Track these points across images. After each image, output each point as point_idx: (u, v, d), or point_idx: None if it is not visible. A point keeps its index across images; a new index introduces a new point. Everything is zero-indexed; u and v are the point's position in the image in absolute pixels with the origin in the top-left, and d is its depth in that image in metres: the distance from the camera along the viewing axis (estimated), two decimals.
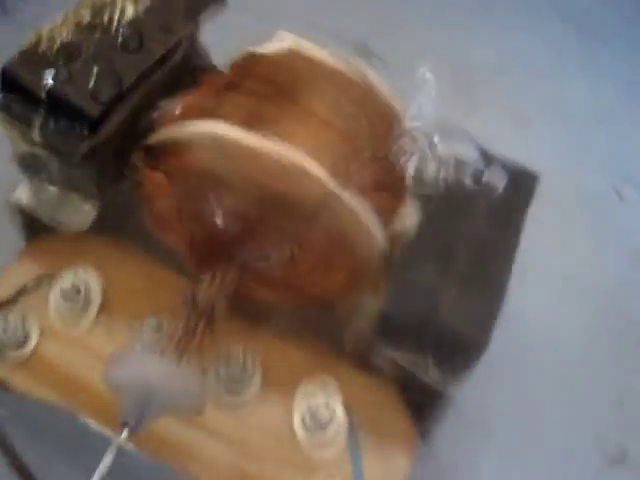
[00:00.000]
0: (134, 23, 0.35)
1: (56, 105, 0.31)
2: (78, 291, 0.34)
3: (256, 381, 0.33)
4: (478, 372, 0.30)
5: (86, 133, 0.31)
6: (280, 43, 0.35)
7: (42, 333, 0.34)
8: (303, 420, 0.32)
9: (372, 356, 0.33)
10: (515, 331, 0.37)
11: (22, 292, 0.35)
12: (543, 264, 0.42)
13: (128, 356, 0.27)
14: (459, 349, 0.28)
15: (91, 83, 0.31)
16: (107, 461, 0.25)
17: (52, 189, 0.36)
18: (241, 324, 0.34)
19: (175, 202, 0.32)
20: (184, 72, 0.36)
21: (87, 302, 0.34)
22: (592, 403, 0.41)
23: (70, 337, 0.34)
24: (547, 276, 0.42)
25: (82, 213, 0.36)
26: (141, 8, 0.35)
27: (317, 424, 0.32)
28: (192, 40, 0.37)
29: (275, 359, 0.34)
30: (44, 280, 0.35)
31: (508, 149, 0.33)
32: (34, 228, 0.36)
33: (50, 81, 0.31)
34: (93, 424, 0.27)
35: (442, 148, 0.32)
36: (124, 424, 0.26)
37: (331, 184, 0.28)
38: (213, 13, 0.38)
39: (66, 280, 0.34)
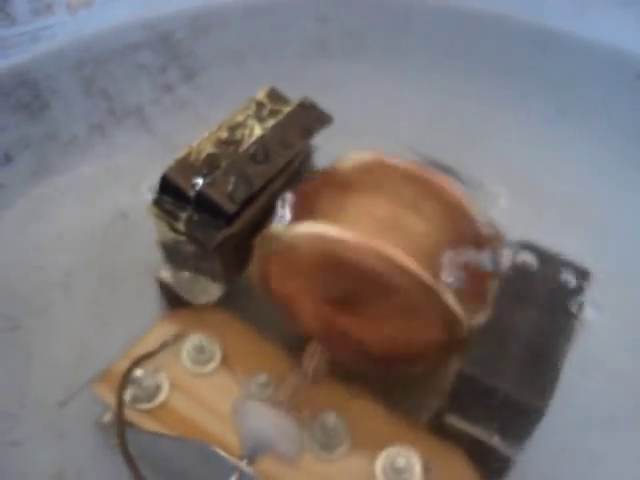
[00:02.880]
0: (261, 140, 0.43)
1: (201, 203, 0.40)
2: (202, 351, 0.42)
3: (345, 442, 0.39)
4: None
5: (223, 226, 0.40)
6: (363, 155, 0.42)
7: (172, 386, 0.41)
8: (384, 473, 0.37)
9: (446, 426, 0.38)
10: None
11: (158, 350, 0.43)
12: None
13: (250, 405, 0.34)
14: (520, 416, 0.34)
15: (229, 187, 0.40)
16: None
17: (186, 273, 0.45)
18: (336, 390, 0.40)
19: (289, 287, 0.40)
20: (300, 176, 0.45)
21: (209, 360, 0.42)
22: None
23: (194, 389, 0.41)
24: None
25: (209, 293, 0.44)
26: (266, 128, 0.45)
27: (396, 473, 0.37)
28: (306, 152, 0.46)
29: (362, 424, 0.40)
30: (176, 340, 0.43)
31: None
32: (173, 300, 0.45)
33: (199, 184, 0.40)
34: (221, 452, 0.34)
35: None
36: (242, 457, 0.33)
37: (428, 278, 0.35)
38: (322, 129, 0.47)
39: (194, 341, 0.42)
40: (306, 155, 0.47)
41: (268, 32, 0.72)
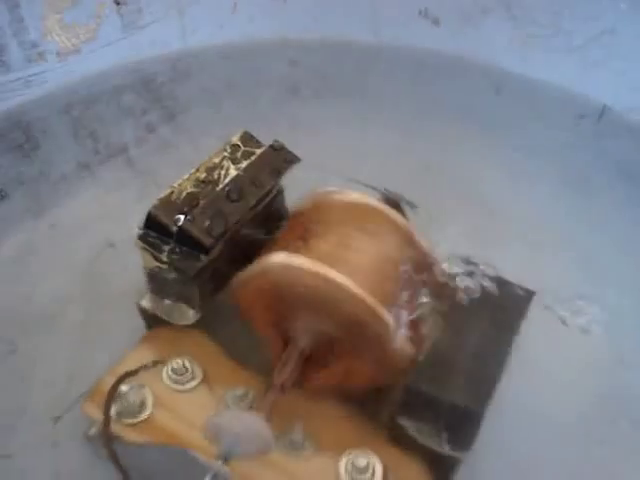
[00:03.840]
0: (235, 180, 0.49)
1: (183, 237, 0.45)
2: (183, 371, 0.46)
3: (311, 445, 0.44)
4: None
5: (202, 257, 0.45)
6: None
7: (155, 402, 0.46)
8: (347, 472, 0.42)
9: (399, 433, 0.43)
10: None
11: (140, 368, 0.47)
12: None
13: (227, 411, 0.39)
14: (462, 420, 0.39)
15: (207, 223, 0.45)
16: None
17: (165, 299, 0.50)
18: (302, 399, 0.45)
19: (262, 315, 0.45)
20: (270, 214, 0.50)
21: (190, 379, 0.46)
22: None
23: (176, 405, 0.46)
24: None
25: (187, 317, 0.49)
26: (240, 168, 0.50)
27: (358, 472, 0.42)
28: (275, 190, 0.52)
29: (325, 430, 0.44)
30: (158, 363, 0.47)
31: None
32: (154, 321, 0.49)
33: (180, 221, 0.45)
34: (200, 457, 0.38)
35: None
36: (219, 457, 0.37)
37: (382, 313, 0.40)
38: (290, 169, 0.52)
39: (176, 361, 0.47)
40: (277, 192, 0.52)
41: (244, 75, 0.78)
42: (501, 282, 0.46)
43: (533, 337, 0.44)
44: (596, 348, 0.54)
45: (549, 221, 0.62)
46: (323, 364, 0.43)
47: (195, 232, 0.45)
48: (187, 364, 0.47)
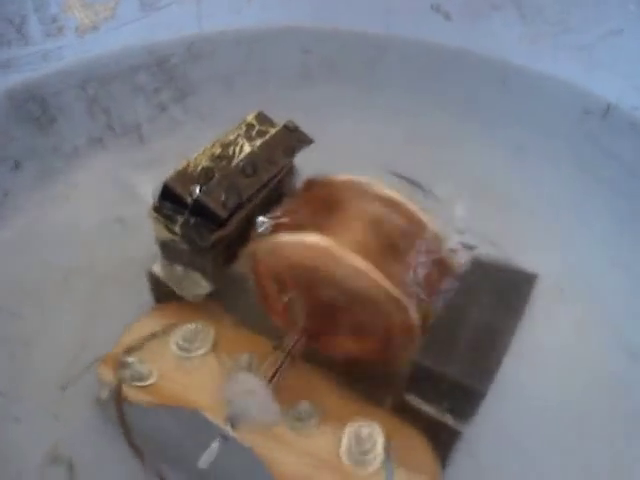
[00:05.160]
0: (250, 156, 0.50)
1: (198, 209, 0.46)
2: (194, 338, 0.47)
3: (315, 417, 0.45)
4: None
5: (215, 229, 0.46)
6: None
7: (160, 375, 0.46)
8: (349, 447, 0.43)
9: (405, 406, 0.44)
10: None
11: (147, 339, 0.48)
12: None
13: (239, 375, 0.40)
14: (465, 396, 0.40)
15: (222, 196, 0.46)
16: (215, 446, 0.37)
17: (179, 268, 0.50)
18: (308, 375, 0.46)
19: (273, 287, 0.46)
20: (282, 192, 0.51)
21: (200, 346, 0.47)
22: None
23: (184, 370, 0.46)
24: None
25: (200, 287, 0.50)
26: (254, 146, 0.51)
27: (360, 451, 0.43)
28: (289, 168, 0.53)
29: (331, 402, 0.45)
30: (167, 330, 0.48)
31: None
32: (163, 294, 0.50)
33: (196, 192, 0.46)
34: (211, 417, 0.39)
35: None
36: (228, 422, 0.38)
37: (389, 286, 0.41)
38: (303, 149, 0.53)
39: (185, 330, 0.48)
40: (289, 171, 0.53)
41: (256, 60, 0.78)
42: (505, 264, 0.47)
43: (534, 319, 0.45)
44: (597, 332, 0.55)
45: (555, 207, 0.63)
46: (332, 333, 0.44)
47: (211, 204, 0.46)
48: (197, 330, 0.48)
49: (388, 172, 0.52)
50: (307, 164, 0.53)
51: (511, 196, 0.65)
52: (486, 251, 0.47)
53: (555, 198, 0.65)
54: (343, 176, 0.48)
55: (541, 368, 0.52)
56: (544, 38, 0.75)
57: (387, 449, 0.42)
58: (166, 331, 0.48)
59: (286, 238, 0.44)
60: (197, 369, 0.46)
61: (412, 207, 0.47)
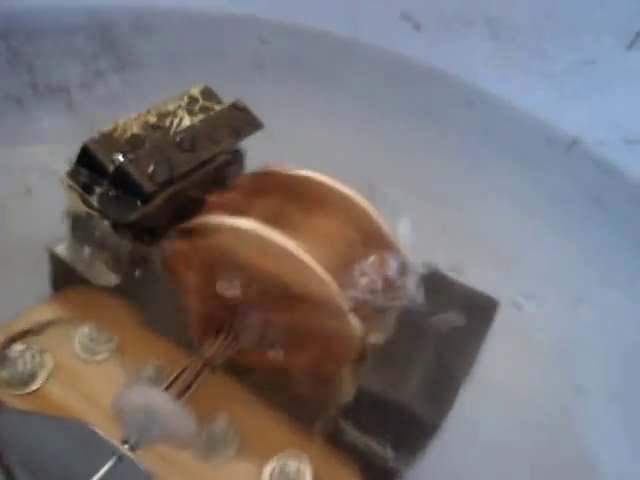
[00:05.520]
0: (189, 130, 0.43)
1: (119, 179, 0.38)
2: (96, 338, 0.40)
3: (234, 445, 0.38)
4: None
5: (137, 205, 0.39)
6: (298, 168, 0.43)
7: (55, 370, 0.38)
8: (271, 478, 0.36)
9: (339, 437, 0.38)
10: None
11: (41, 329, 0.40)
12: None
13: (136, 387, 0.32)
14: (414, 429, 0.34)
15: (150, 168, 0.39)
16: (107, 466, 0.29)
17: (88, 250, 0.43)
18: (230, 391, 0.39)
19: (196, 276, 0.38)
20: (224, 176, 0.45)
21: (101, 349, 0.40)
22: None
23: (80, 375, 0.39)
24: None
25: (110, 274, 0.42)
26: (195, 121, 0.44)
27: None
28: (233, 152, 0.46)
29: (254, 428, 0.38)
30: (66, 323, 0.40)
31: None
32: (65, 281, 0.42)
33: (120, 159, 0.39)
34: (101, 432, 0.32)
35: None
36: (125, 442, 0.31)
37: (333, 287, 0.35)
38: (252, 133, 0.47)
39: (88, 327, 0.40)
40: (235, 156, 0.46)
41: (210, 44, 0.72)
42: (464, 288, 0.42)
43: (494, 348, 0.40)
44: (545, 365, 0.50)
45: (511, 233, 0.59)
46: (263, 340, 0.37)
47: (136, 174, 0.38)
48: (99, 331, 0.40)
49: (344, 175, 0.46)
50: (258, 158, 0.46)
51: (464, 214, 0.60)
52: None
53: (510, 223, 0.61)
54: (306, 171, 0.42)
55: (487, 402, 0.46)
56: (514, 61, 0.72)
57: None
58: (67, 325, 0.40)
59: (222, 221, 0.37)
60: (94, 375, 0.39)
61: (376, 215, 0.42)
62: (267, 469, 0.36)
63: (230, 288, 0.37)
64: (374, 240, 0.41)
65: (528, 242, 0.60)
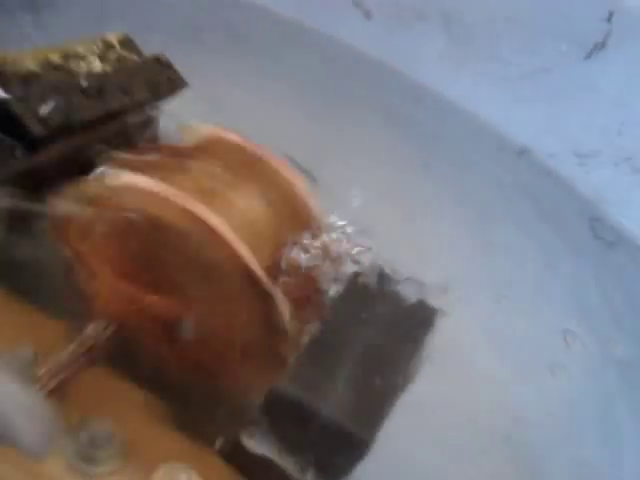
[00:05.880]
0: (98, 77, 0.36)
1: (3, 117, 0.31)
2: None
3: (115, 456, 0.31)
4: None
5: (21, 154, 0.31)
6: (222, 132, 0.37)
7: None
8: None
9: (243, 452, 0.31)
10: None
11: None
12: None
13: None
14: (341, 446, 0.28)
15: (43, 109, 0.32)
16: None
17: None
18: (116, 392, 0.32)
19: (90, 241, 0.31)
20: (135, 135, 0.38)
21: None
22: None
23: None
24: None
25: None
26: (108, 69, 0.37)
27: None
28: (147, 110, 0.39)
29: (142, 434, 0.31)
30: None
31: None
32: None
33: (2, 94, 0.31)
34: None
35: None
36: None
37: (245, 254, 0.29)
38: (174, 92, 0.40)
39: None
40: (149, 118, 0.40)
41: (142, 6, 0.65)
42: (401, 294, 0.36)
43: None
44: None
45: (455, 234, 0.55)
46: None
47: (22, 112, 0.31)
48: None
49: (278, 152, 0.40)
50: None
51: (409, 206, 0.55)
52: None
53: (456, 223, 0.56)
54: (236, 137, 0.36)
55: (421, 424, 0.41)
56: (467, 62, 0.68)
57: None
58: None
59: (130, 179, 0.31)
60: None
61: (304, 192, 0.36)
62: None
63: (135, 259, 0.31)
64: (303, 220, 0.35)
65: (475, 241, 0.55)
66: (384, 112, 0.64)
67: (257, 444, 0.30)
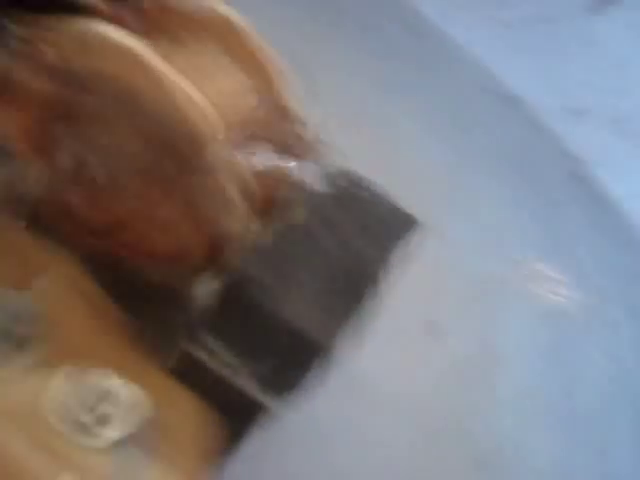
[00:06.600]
0: None
1: None
2: None
3: (30, 342, 0.26)
4: None
5: None
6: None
7: None
8: (69, 402, 0.25)
9: (182, 356, 0.27)
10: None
11: None
12: None
13: None
14: (296, 350, 0.24)
15: None
16: None
17: None
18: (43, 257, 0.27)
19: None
20: None
21: None
22: None
23: None
24: None
25: None
26: None
27: (90, 413, 0.25)
28: None
29: (68, 319, 0.27)
30: None
31: None
32: None
33: None
34: None
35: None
36: None
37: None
38: None
39: None
40: None
41: None
42: (377, 193, 0.32)
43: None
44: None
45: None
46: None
47: None
48: None
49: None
50: None
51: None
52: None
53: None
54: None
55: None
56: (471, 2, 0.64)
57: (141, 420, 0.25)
58: None
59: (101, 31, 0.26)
60: None
61: (283, 85, 0.32)
62: (58, 379, 0.25)
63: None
64: (277, 110, 0.31)
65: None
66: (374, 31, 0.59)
67: (206, 353, 0.27)
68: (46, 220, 0.26)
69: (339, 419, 0.33)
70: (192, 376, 0.27)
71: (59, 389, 0.25)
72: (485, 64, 0.62)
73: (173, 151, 0.25)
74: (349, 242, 0.28)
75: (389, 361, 0.40)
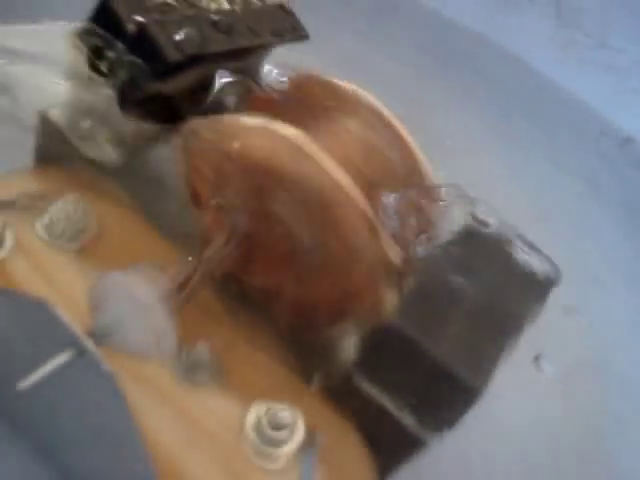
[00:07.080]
0: (228, 14, 0.36)
1: (140, 42, 0.32)
2: (70, 219, 0.32)
3: (216, 378, 0.31)
4: None
5: (153, 80, 0.32)
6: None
7: (17, 249, 0.32)
8: (258, 421, 0.29)
9: (345, 391, 0.31)
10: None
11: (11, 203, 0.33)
12: None
13: (121, 274, 0.26)
14: (450, 391, 0.27)
15: (179, 35, 0.32)
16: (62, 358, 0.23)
17: (87, 122, 0.36)
18: (220, 313, 0.32)
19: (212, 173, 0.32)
20: (251, 73, 0.38)
21: (74, 235, 0.33)
22: None
23: (42, 262, 0.32)
24: None
25: (107, 150, 0.35)
26: (236, 8, 0.38)
27: (272, 435, 0.29)
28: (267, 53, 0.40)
29: (243, 363, 0.32)
30: (38, 199, 0.33)
31: None
32: (54, 151, 0.35)
33: (142, 19, 0.32)
34: (62, 316, 0.25)
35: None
36: (91, 334, 0.24)
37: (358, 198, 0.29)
38: (296, 41, 0.41)
39: (63, 205, 0.33)
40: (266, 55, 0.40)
41: None
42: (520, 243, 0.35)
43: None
44: None
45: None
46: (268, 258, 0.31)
47: (161, 38, 0.32)
48: (73, 212, 0.33)
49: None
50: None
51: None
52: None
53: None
54: (349, 84, 0.36)
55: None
56: (575, 46, 0.66)
57: (309, 442, 0.29)
58: (39, 201, 0.33)
59: (252, 122, 0.31)
60: (64, 267, 0.32)
61: (413, 145, 0.36)
62: (253, 413, 0.29)
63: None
64: (410, 174, 0.35)
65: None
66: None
67: (361, 382, 0.30)
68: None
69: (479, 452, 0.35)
70: (353, 406, 0.30)
71: (253, 418, 0.29)
72: (594, 106, 0.64)
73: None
74: (491, 292, 0.31)
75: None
